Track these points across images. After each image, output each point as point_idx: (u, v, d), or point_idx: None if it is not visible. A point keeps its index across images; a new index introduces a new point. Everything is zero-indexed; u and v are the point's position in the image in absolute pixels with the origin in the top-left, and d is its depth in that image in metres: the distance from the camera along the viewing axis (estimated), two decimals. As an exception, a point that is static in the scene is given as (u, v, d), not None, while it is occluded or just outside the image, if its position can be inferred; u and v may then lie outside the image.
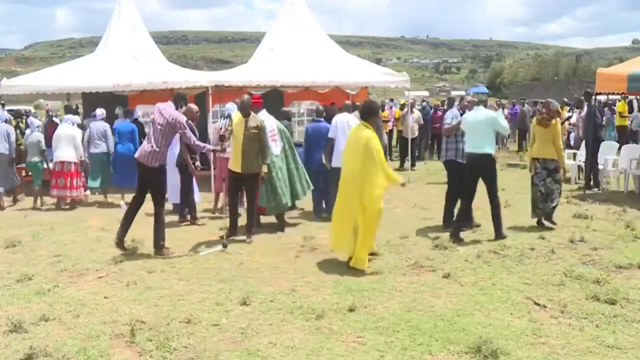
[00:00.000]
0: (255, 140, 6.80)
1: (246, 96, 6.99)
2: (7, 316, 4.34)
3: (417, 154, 15.16)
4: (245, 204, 7.29)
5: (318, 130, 8.49)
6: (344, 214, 5.74)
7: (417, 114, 14.97)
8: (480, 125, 6.78)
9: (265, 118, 7.40)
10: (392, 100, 17.07)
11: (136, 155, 6.37)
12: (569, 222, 7.58)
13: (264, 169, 6.89)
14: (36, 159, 9.60)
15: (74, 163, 9.31)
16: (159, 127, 6.19)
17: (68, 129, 9.46)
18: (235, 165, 6.89)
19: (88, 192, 9.92)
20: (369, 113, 5.90)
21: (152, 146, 6.17)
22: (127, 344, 3.91)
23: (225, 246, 6.48)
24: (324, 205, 8.52)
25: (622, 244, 6.46)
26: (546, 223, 7.43)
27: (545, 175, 7.42)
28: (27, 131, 9.68)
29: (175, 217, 8.22)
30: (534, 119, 7.69)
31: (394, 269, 5.60)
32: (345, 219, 5.70)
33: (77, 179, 9.35)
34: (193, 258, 6.14)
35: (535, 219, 7.51)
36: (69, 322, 4.31)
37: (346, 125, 8.09)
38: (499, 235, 6.77)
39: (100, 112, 9.94)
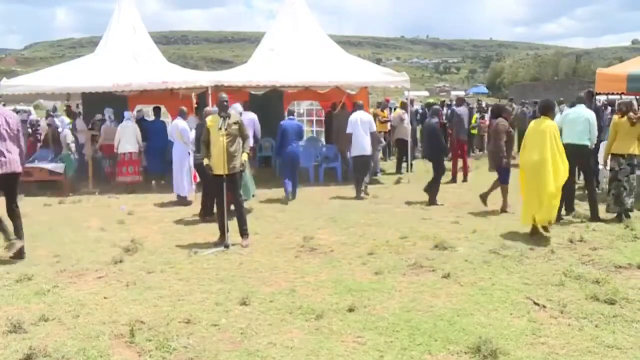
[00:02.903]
0: (237, 137, 6.65)
1: (224, 95, 6.72)
2: (7, 316, 4.35)
3: (414, 156, 13.61)
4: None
5: (291, 127, 9.68)
6: (535, 192, 6.79)
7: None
8: (583, 120, 7.80)
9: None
10: (387, 101, 16.68)
11: (5, 171, 5.97)
12: (569, 222, 7.59)
13: (244, 157, 6.77)
14: (66, 152, 11.23)
15: (136, 152, 10.93)
16: (12, 133, 6.04)
17: (129, 124, 10.87)
18: (218, 168, 6.59)
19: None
20: (547, 109, 7.08)
21: (18, 152, 6.09)
22: (127, 344, 3.91)
23: (227, 246, 6.48)
24: (290, 189, 9.63)
25: (621, 244, 6.46)
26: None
27: (629, 171, 7.65)
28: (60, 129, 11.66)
29: (172, 207, 8.96)
30: (615, 116, 7.86)
31: (394, 269, 5.60)
32: (545, 194, 6.69)
33: (138, 166, 11.03)
34: (193, 258, 6.14)
35: (614, 214, 7.72)
36: (69, 322, 4.31)
37: (359, 121, 9.83)
38: (594, 217, 7.61)
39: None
